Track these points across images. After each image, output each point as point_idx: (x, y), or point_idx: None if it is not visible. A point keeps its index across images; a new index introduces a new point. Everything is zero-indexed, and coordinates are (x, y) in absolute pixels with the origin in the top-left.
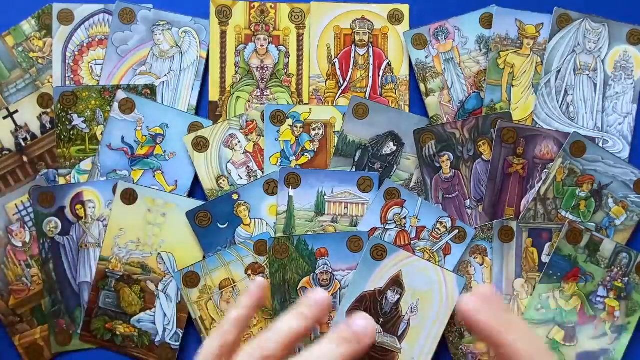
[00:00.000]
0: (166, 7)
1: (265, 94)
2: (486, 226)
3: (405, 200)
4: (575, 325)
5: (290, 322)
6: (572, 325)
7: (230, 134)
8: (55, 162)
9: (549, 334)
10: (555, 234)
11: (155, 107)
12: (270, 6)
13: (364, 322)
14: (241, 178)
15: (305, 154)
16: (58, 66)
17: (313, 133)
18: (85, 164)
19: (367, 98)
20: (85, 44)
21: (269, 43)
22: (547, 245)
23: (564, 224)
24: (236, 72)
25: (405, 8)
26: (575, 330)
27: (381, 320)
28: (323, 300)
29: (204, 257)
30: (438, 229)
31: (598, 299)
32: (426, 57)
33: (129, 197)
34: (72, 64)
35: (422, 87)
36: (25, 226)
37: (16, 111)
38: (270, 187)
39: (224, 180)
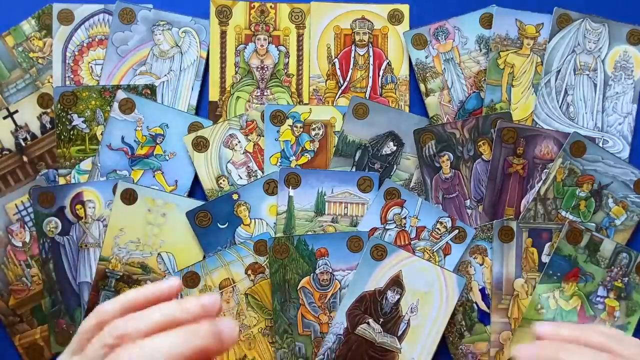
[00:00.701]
0: (166, 7)
1: (265, 94)
2: (486, 226)
3: (405, 200)
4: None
5: (164, 309)
6: None
7: (230, 134)
8: (55, 162)
9: None
10: (555, 234)
11: (155, 107)
12: (270, 6)
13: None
14: (241, 178)
15: (305, 154)
16: (58, 66)
17: (313, 133)
18: (85, 164)
19: (367, 98)
20: (85, 44)
21: (269, 43)
22: (547, 245)
23: (564, 224)
24: (236, 72)
25: (405, 8)
26: None
27: (381, 320)
28: (211, 303)
29: (204, 257)
30: (438, 229)
31: (598, 299)
32: (426, 57)
33: (129, 197)
34: (72, 64)
35: (422, 87)
36: (25, 226)
37: (16, 111)
38: (270, 187)
39: (224, 180)
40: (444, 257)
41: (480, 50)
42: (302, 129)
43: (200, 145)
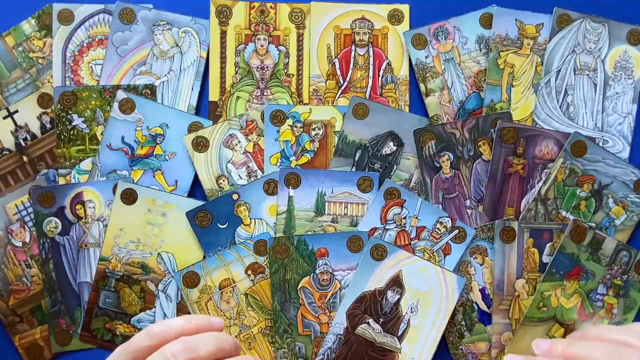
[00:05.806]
0: (166, 7)
1: (265, 94)
2: (486, 226)
3: (405, 200)
4: (575, 322)
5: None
6: (572, 323)
7: (230, 134)
8: (55, 162)
9: (550, 331)
10: (556, 234)
11: (155, 107)
12: (270, 6)
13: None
14: (241, 178)
15: (305, 154)
16: (58, 66)
17: (313, 133)
18: (85, 164)
19: (367, 98)
20: (85, 44)
21: (269, 43)
22: (548, 245)
23: (569, 223)
24: (236, 72)
25: (405, 8)
26: (575, 327)
27: (381, 320)
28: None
29: (204, 257)
30: (438, 229)
31: (597, 296)
32: (426, 57)
33: (129, 197)
34: (72, 64)
35: (422, 87)
36: (25, 226)
37: (16, 111)
38: (270, 187)
39: (224, 180)
40: (444, 257)
41: (480, 50)
42: (302, 129)
43: (200, 145)
